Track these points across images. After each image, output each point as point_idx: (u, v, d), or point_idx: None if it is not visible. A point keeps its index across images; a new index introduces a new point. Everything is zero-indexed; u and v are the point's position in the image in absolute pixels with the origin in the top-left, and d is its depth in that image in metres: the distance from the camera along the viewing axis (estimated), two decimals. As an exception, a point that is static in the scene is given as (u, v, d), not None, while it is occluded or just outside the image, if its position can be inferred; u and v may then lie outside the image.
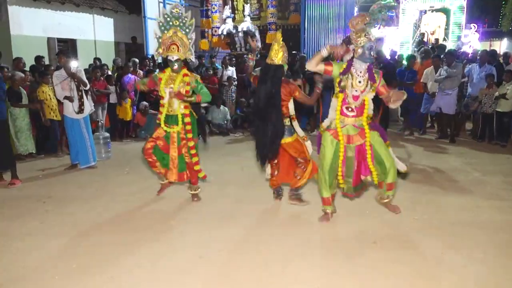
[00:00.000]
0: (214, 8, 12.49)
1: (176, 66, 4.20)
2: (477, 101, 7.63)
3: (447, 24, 13.60)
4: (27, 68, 7.47)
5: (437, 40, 13.02)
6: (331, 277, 2.95)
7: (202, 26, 12.99)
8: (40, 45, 10.76)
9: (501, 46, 17.66)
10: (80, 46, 12.62)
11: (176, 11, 4.37)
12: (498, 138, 7.35)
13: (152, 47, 12.28)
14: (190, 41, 4.32)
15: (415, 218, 4.02)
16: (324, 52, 3.53)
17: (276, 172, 4.36)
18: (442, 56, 8.18)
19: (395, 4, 15.12)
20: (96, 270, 3.07)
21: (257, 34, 12.15)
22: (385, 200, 3.88)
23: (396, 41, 14.02)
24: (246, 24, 12.04)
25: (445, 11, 13.60)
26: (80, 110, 5.81)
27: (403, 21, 13.98)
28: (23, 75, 6.58)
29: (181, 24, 4.36)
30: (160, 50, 4.33)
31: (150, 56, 11.07)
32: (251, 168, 6.02)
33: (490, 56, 8.05)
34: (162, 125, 4.30)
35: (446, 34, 13.57)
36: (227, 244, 3.48)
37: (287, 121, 4.04)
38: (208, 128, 8.87)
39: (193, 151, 4.36)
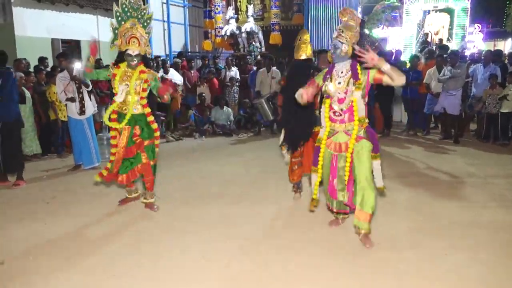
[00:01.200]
0: (217, 9, 12.52)
1: (135, 62, 3.93)
2: (481, 102, 7.60)
3: (451, 24, 13.55)
4: (31, 69, 7.49)
5: (441, 40, 12.98)
6: (333, 277, 2.94)
7: (206, 27, 13.03)
8: (44, 46, 10.79)
9: (505, 46, 17.57)
10: (84, 47, 12.61)
11: (135, 1, 4.09)
12: (502, 138, 7.31)
13: (155, 48, 12.31)
14: (148, 35, 4.07)
15: (419, 219, 4.00)
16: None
17: (296, 167, 4.39)
18: (445, 56, 8.15)
19: (399, 4, 15.09)
20: (99, 270, 3.08)
21: (260, 35, 12.17)
22: (360, 231, 3.36)
23: (400, 41, 13.98)
24: (250, 25, 12.07)
25: (449, 11, 13.55)
26: (82, 111, 5.83)
27: (406, 21, 13.94)
28: (22, 75, 6.60)
29: (139, 16, 4.10)
30: (118, 42, 3.99)
31: (153, 57, 11.10)
32: (253, 168, 6.03)
33: (495, 56, 8.00)
34: (106, 120, 4.05)
35: (450, 35, 13.53)
36: (228, 244, 3.48)
37: (317, 112, 4.05)
38: (212, 128, 8.90)
39: (150, 153, 4.10)
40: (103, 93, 7.96)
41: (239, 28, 12.25)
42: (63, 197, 4.80)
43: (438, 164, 6.12)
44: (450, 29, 13.58)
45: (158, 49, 12.42)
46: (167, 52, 12.74)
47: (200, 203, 4.57)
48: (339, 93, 3.26)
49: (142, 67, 3.99)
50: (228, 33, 12.41)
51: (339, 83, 3.28)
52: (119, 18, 4.01)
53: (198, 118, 8.98)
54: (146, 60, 4.14)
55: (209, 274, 3.01)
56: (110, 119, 4.03)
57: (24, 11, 10.66)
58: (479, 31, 14.04)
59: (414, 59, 8.75)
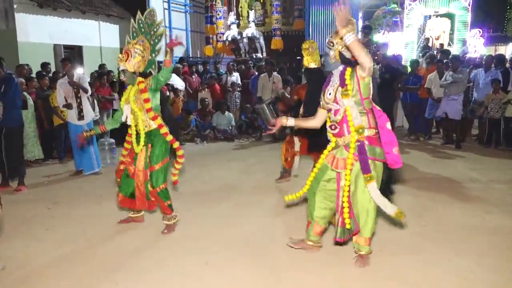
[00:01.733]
0: (219, 14, 12.57)
1: (123, 77, 3.68)
2: (483, 106, 7.59)
3: (452, 29, 13.58)
4: (33, 75, 7.52)
5: (442, 45, 12.98)
6: (337, 282, 2.92)
7: (207, 32, 13.07)
8: (46, 52, 10.84)
9: (506, 51, 17.58)
10: (86, 53, 12.72)
11: (150, 17, 3.88)
12: (505, 143, 7.30)
13: (157, 54, 12.36)
14: (156, 53, 3.89)
15: (422, 224, 3.99)
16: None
17: (289, 158, 5.06)
18: (446, 61, 8.15)
19: (400, 9, 15.12)
20: (102, 275, 3.07)
21: (261, 40, 12.20)
22: (361, 253, 3.15)
23: (401, 46, 14.00)
24: (251, 30, 12.11)
25: (450, 16, 13.58)
26: (80, 117, 5.84)
27: (407, 26, 13.97)
28: (23, 80, 6.62)
29: (151, 33, 3.88)
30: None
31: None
32: (255, 174, 6.03)
33: (497, 61, 8.00)
34: (135, 146, 3.74)
35: (451, 39, 13.54)
36: (231, 249, 3.47)
37: None
38: (213, 134, 8.90)
39: (154, 180, 3.71)
40: (105, 98, 7.98)
41: (240, 33, 12.29)
42: (65, 203, 4.80)
43: (440, 169, 6.10)
44: (451, 34, 13.60)
45: (159, 55, 12.46)
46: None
47: (202, 208, 4.56)
48: (332, 104, 2.98)
49: (140, 78, 3.69)
50: (229, 39, 12.45)
51: (330, 93, 3.01)
52: (134, 35, 3.88)
53: (200, 123, 8.99)
54: (143, 75, 3.80)
55: (211, 280, 3.00)
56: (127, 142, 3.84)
57: (26, 17, 10.74)
58: (480, 36, 14.04)
59: (414, 64, 8.76)
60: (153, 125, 3.69)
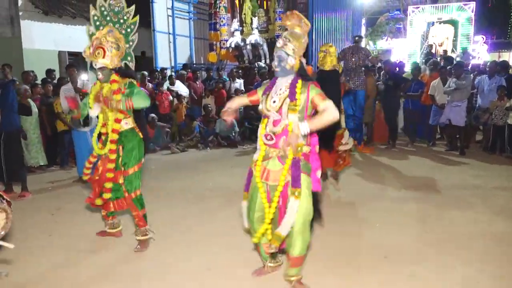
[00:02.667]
0: (222, 21, 12.62)
1: (100, 76, 3.37)
2: (487, 113, 7.56)
3: (455, 35, 13.59)
4: (38, 81, 7.56)
5: (445, 51, 13.00)
6: (340, 291, 2.91)
7: (211, 39, 13.11)
8: (51, 59, 10.91)
9: (510, 57, 17.56)
10: (90, 59, 12.79)
11: (116, 3, 3.51)
12: (510, 150, 7.25)
13: (161, 60, 12.43)
14: (131, 44, 3.54)
15: (427, 231, 3.96)
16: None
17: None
18: (449, 67, 8.14)
19: (403, 16, 15.17)
20: (104, 282, 3.07)
21: (265, 46, 12.24)
22: (290, 279, 2.89)
23: (404, 52, 14.02)
24: (254, 37, 12.15)
25: (453, 22, 13.60)
26: (85, 123, 5.86)
27: (410, 32, 14.00)
28: (27, 87, 6.66)
29: (121, 21, 3.52)
30: (88, 52, 3.40)
31: (159, 69, 11.18)
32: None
33: (500, 67, 7.98)
34: (96, 149, 3.51)
35: (454, 46, 13.55)
36: (233, 255, 3.45)
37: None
38: (216, 140, 8.91)
39: (128, 185, 3.47)
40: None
41: (243, 40, 12.34)
42: (68, 209, 4.80)
43: (444, 176, 6.07)
44: (455, 40, 13.61)
45: (163, 61, 12.52)
46: (173, 64, 12.83)
47: (205, 214, 4.55)
48: (273, 113, 2.75)
49: (114, 76, 3.39)
50: (233, 45, 12.50)
51: (274, 101, 2.76)
52: (97, 23, 3.45)
53: (203, 130, 8.99)
54: (127, 74, 3.51)
55: (213, 285, 2.98)
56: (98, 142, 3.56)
57: (31, 24, 10.82)
58: (484, 43, 14.05)
59: (415, 70, 8.74)
60: (125, 125, 3.45)
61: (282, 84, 2.78)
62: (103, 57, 3.29)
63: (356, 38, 8.40)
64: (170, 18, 12.81)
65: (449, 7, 13.63)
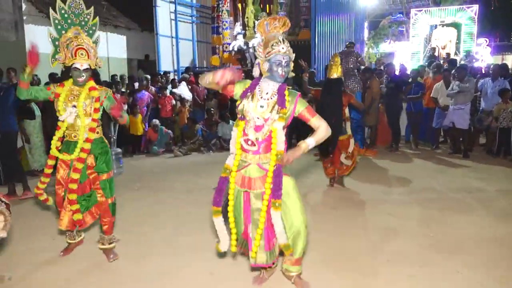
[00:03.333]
0: (225, 25, 12.67)
1: (83, 77, 3.23)
2: (491, 116, 7.54)
3: (458, 38, 13.56)
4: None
5: (448, 54, 12.98)
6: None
7: (213, 43, 13.16)
8: (54, 63, 10.99)
9: (513, 60, 17.52)
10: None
11: (76, 6, 3.47)
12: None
13: (164, 64, 12.47)
14: (95, 45, 3.43)
15: (430, 235, 3.94)
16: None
17: (329, 165, 5.38)
18: (453, 71, 8.13)
19: (405, 19, 15.16)
20: (109, 285, 3.06)
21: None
22: (290, 275, 2.88)
23: (407, 55, 14.00)
24: (257, 40, 12.15)
25: (456, 25, 13.57)
26: None
27: (413, 36, 13.98)
28: None
29: (83, 22, 3.48)
30: (61, 56, 3.29)
31: (162, 73, 11.22)
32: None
33: (503, 70, 7.96)
34: (54, 151, 3.30)
35: (457, 49, 13.52)
36: (237, 260, 3.44)
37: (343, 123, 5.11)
38: (219, 143, 8.91)
39: (108, 190, 3.38)
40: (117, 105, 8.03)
41: (246, 43, 12.36)
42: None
43: (448, 179, 6.05)
44: (458, 43, 13.58)
45: (166, 65, 12.57)
46: (176, 68, 12.87)
47: (207, 218, 4.54)
48: (258, 118, 2.60)
49: (92, 83, 3.32)
50: (235, 49, 12.53)
51: (262, 106, 2.60)
52: (59, 27, 3.39)
53: (206, 133, 9.01)
54: (97, 76, 3.47)
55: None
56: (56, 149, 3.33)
57: (35, 28, 10.89)
58: (487, 45, 14.01)
59: (415, 72, 8.77)
60: (96, 134, 3.34)
61: (269, 88, 2.63)
62: (88, 57, 3.21)
63: (348, 44, 8.73)
64: (173, 22, 12.88)
65: (452, 9, 13.62)
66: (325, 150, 5.03)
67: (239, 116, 2.67)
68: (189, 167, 7.33)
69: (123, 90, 8.90)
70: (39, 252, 3.67)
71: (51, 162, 3.35)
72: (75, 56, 3.17)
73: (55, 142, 3.30)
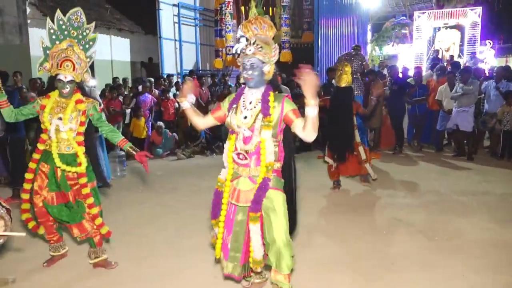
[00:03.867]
0: (228, 27, 12.68)
1: (67, 89, 3.16)
2: (495, 118, 7.50)
3: (462, 40, 13.52)
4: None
5: (452, 57, 12.94)
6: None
7: (217, 46, 13.18)
8: (58, 66, 11.04)
9: (518, 62, 17.43)
10: (97, 66, 12.90)
11: (76, 18, 3.37)
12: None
13: (167, 67, 12.49)
14: (89, 60, 3.35)
15: (435, 238, 3.92)
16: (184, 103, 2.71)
17: (333, 169, 5.52)
18: (457, 74, 8.10)
19: (409, 21, 15.13)
20: (107, 287, 3.06)
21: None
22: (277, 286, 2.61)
23: (410, 58, 13.97)
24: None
25: (460, 27, 13.53)
26: (96, 129, 5.89)
27: (417, 38, 13.95)
28: (34, 94, 6.72)
29: (80, 36, 3.39)
30: (47, 65, 3.23)
31: (165, 75, 11.24)
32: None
33: (507, 72, 7.92)
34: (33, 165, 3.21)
35: (461, 51, 13.48)
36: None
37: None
38: (222, 146, 8.90)
39: (90, 200, 3.24)
40: (115, 111, 8.05)
41: (249, 46, 12.38)
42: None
43: (452, 181, 6.02)
44: (461, 45, 13.54)
45: (170, 68, 12.60)
46: (179, 71, 12.90)
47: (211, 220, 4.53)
48: (244, 130, 2.49)
49: (78, 95, 3.24)
50: (238, 51, 12.41)
51: (245, 117, 2.49)
52: (53, 37, 3.31)
53: (209, 136, 9.00)
54: (83, 90, 3.44)
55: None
56: (33, 160, 3.25)
57: (40, 32, 10.93)
58: (491, 48, 13.96)
59: (417, 75, 8.72)
60: (75, 148, 3.20)
61: (252, 97, 2.52)
62: (73, 69, 3.15)
63: (354, 47, 8.71)
64: (176, 25, 12.91)
65: (455, 11, 13.59)
66: (342, 155, 5.26)
67: (229, 130, 2.56)
68: (193, 170, 7.32)
69: (125, 93, 8.91)
70: (42, 255, 3.67)
71: (28, 186, 3.25)
72: (60, 67, 3.13)
73: (35, 154, 3.22)
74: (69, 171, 3.19)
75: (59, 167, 3.16)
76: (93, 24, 3.52)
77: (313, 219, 4.44)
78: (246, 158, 2.50)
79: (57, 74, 3.15)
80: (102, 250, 3.40)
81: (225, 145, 2.62)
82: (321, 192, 5.52)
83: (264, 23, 2.58)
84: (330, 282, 3.10)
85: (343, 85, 5.11)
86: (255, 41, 2.51)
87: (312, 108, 2.26)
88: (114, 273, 3.31)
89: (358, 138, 5.43)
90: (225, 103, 2.63)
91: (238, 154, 2.52)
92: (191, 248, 3.76)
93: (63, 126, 3.15)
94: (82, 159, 3.21)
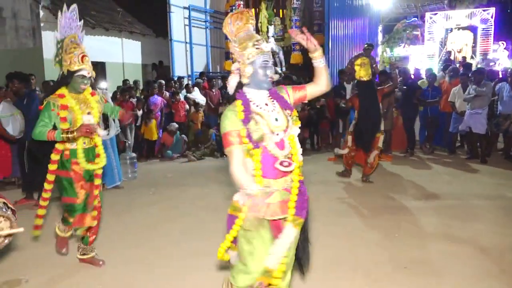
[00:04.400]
0: (238, 30, 12.70)
1: (87, 85, 3.19)
2: (509, 120, 7.39)
3: (474, 42, 13.37)
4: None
5: (464, 58, 12.80)
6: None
7: (227, 48, 13.19)
8: (71, 68, 11.16)
9: (531, 63, 17.15)
10: (109, 69, 13.03)
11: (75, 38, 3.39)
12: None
13: (178, 69, 12.55)
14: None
15: (449, 242, 3.86)
16: None
17: (351, 155, 5.93)
18: (470, 75, 8.00)
19: (420, 22, 15.01)
20: (121, 292, 3.07)
21: (281, 54, 12.25)
22: None
23: (422, 59, 13.85)
24: (270, 45, 12.07)
25: (472, 28, 13.39)
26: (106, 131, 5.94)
27: (428, 39, 13.83)
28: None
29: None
30: (67, 60, 3.14)
31: (176, 78, 11.29)
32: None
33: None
34: (84, 164, 3.21)
35: (474, 52, 13.33)
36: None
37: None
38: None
39: (96, 201, 3.35)
40: (127, 113, 8.10)
41: (260, 48, 12.37)
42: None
43: (466, 184, 5.94)
44: (474, 46, 13.39)
45: (180, 70, 12.66)
46: (189, 73, 12.96)
47: (220, 223, 4.52)
48: (277, 134, 2.15)
49: (89, 88, 3.26)
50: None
51: (276, 119, 2.16)
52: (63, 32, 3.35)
53: (220, 138, 9.02)
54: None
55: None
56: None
57: (52, 35, 11.09)
58: (504, 49, 13.78)
59: (430, 76, 8.60)
60: (96, 139, 3.28)
61: (261, 99, 2.19)
62: (89, 66, 3.17)
63: (366, 46, 8.55)
64: (187, 28, 12.97)
65: (468, 12, 13.45)
66: (367, 143, 5.66)
67: (251, 147, 2.11)
68: (203, 172, 7.34)
69: (137, 95, 8.97)
70: (50, 254, 3.70)
71: (47, 195, 3.39)
72: (82, 62, 3.10)
73: (81, 154, 3.20)
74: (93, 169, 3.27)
75: (84, 168, 3.22)
76: (81, 22, 3.60)
77: (321, 222, 4.41)
78: (291, 164, 2.14)
79: (77, 70, 3.09)
80: (92, 249, 3.47)
81: (242, 166, 2.17)
82: (330, 195, 5.48)
83: (244, 16, 2.48)
84: (340, 284, 3.07)
85: (366, 78, 5.45)
86: (257, 39, 2.31)
87: (319, 60, 2.30)
88: (121, 275, 3.32)
89: (383, 126, 5.83)
90: (238, 124, 2.11)
91: (282, 162, 2.13)
92: (200, 251, 3.74)
93: (94, 121, 3.18)
94: (101, 150, 3.28)
